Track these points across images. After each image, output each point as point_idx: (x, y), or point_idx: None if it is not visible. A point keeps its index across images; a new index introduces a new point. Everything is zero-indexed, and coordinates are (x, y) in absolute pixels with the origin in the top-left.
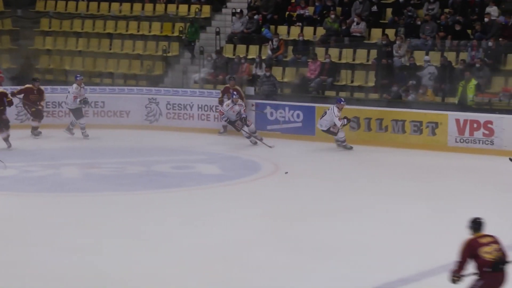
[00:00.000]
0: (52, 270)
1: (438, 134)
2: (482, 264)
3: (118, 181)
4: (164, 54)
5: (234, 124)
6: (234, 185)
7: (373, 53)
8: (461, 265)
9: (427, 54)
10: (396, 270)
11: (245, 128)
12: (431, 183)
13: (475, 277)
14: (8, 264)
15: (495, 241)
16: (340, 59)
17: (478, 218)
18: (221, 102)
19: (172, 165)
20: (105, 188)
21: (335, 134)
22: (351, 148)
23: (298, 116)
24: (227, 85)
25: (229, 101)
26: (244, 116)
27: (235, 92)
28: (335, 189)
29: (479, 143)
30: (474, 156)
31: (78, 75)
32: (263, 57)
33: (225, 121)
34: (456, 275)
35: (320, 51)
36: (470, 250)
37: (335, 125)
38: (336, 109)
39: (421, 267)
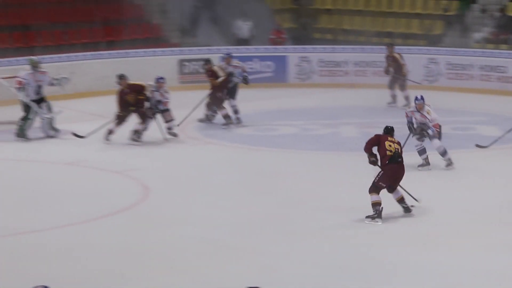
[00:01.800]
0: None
1: None
2: (383, 157)
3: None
4: (444, 13)
5: None
6: None
7: None
8: (368, 150)
9: None
10: None
11: None
12: None
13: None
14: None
15: (399, 143)
16: None
17: (390, 126)
18: None
19: (452, 126)
20: None
21: None
22: None
23: None
24: None
25: None
26: None
27: None
28: None
29: None
30: None
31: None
32: None
33: None
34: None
35: None
36: (377, 141)
37: None
38: None
39: None
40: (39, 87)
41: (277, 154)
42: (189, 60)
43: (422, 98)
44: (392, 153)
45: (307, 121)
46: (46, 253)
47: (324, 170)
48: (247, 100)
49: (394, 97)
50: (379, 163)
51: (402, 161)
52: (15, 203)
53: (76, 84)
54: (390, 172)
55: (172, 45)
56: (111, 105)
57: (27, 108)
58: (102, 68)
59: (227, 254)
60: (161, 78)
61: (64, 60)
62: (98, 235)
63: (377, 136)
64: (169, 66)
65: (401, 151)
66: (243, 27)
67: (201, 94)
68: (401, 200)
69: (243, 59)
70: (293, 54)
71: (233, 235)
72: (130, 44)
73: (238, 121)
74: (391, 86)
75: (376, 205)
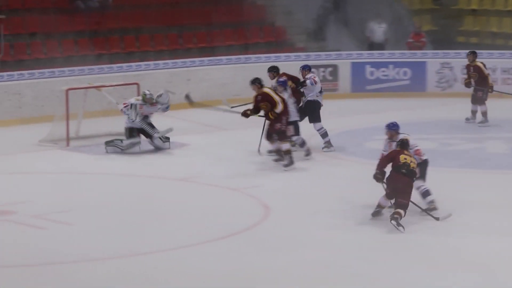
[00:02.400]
0: None
1: None
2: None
3: None
4: None
5: None
6: None
7: None
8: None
9: None
10: None
11: None
12: None
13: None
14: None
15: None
16: None
17: (406, 139)
18: None
19: None
20: None
21: None
22: None
23: None
24: None
25: None
26: None
27: None
28: None
29: None
30: None
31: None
32: None
33: None
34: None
35: None
36: (392, 157)
37: None
38: None
39: None
40: (146, 116)
41: None
42: (316, 66)
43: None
44: (401, 163)
45: (447, 134)
46: (152, 277)
47: (467, 190)
48: (379, 110)
49: (474, 113)
50: (385, 180)
51: (406, 174)
52: (121, 222)
53: (191, 92)
54: (390, 180)
55: (297, 49)
56: (229, 115)
57: (131, 132)
58: (220, 74)
59: (353, 282)
60: (283, 81)
61: (179, 66)
62: (210, 259)
63: (394, 151)
64: (294, 73)
65: (415, 168)
66: (377, 30)
67: (327, 104)
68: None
69: (376, 65)
70: (433, 59)
71: (359, 260)
72: (251, 48)
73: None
74: (476, 100)
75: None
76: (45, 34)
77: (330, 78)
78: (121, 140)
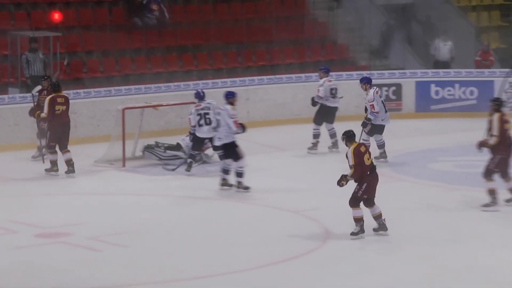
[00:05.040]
0: None
1: None
2: (365, 170)
3: None
4: None
5: None
6: None
7: None
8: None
9: None
10: None
11: None
12: None
13: (357, 183)
14: None
15: (368, 149)
16: None
17: (351, 131)
18: None
19: None
20: None
21: None
22: None
23: None
24: None
25: None
26: None
27: None
28: None
29: None
30: None
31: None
32: None
33: None
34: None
35: None
36: (359, 157)
37: None
38: None
39: None
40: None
41: (479, 195)
42: (380, 86)
43: None
44: (371, 162)
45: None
46: None
47: None
48: (445, 131)
49: None
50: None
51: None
52: (178, 245)
53: (250, 112)
54: (374, 183)
55: (360, 68)
56: (290, 136)
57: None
58: (280, 94)
59: None
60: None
61: (237, 84)
62: (272, 284)
63: (358, 151)
64: (356, 92)
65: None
66: (443, 48)
67: (391, 125)
68: (379, 216)
69: (442, 84)
70: (501, 78)
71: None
72: (312, 67)
73: (334, 145)
74: None
75: (360, 220)
76: (102, 52)
77: (393, 97)
78: (164, 149)
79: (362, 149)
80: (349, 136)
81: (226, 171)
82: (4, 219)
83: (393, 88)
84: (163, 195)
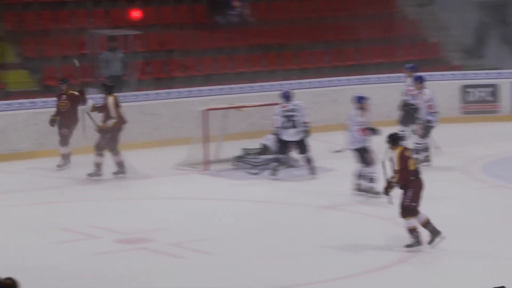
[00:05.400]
0: None
1: None
2: (410, 175)
3: None
4: None
5: None
6: None
7: None
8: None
9: None
10: None
11: None
12: None
13: (402, 190)
14: None
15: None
16: None
17: (396, 133)
18: None
19: None
20: None
21: None
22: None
23: None
24: None
25: None
26: None
27: None
28: None
29: None
30: None
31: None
32: None
33: None
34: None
35: None
36: (405, 161)
37: None
38: None
39: None
40: None
41: None
42: (474, 86)
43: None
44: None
45: None
46: None
47: None
48: None
49: None
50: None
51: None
52: (263, 252)
53: (339, 114)
54: (419, 189)
55: (453, 67)
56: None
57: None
58: (369, 94)
59: None
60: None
61: (325, 85)
62: None
63: (403, 156)
64: (449, 93)
65: None
66: None
67: (486, 127)
68: (427, 223)
69: None
70: None
71: None
72: (402, 66)
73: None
74: None
75: (413, 231)
76: (183, 51)
77: (489, 99)
78: (255, 155)
79: (407, 153)
80: (394, 139)
81: (359, 176)
82: (85, 224)
83: (489, 89)
84: (247, 200)
